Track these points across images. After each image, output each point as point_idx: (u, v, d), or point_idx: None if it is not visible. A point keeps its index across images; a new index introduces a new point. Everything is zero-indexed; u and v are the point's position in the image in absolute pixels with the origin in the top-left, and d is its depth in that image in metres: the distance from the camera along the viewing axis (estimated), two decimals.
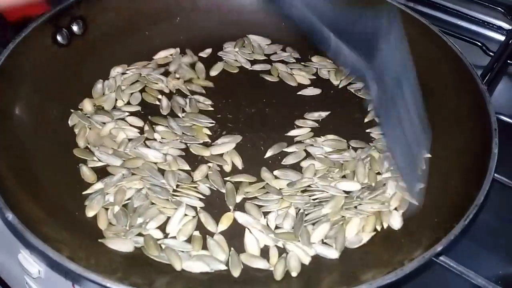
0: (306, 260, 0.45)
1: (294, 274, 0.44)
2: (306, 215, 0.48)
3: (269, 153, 0.54)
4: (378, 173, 0.52)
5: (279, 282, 0.43)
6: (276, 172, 0.52)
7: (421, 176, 0.49)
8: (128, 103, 0.57)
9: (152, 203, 0.48)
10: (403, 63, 0.42)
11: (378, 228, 0.48)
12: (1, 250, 0.61)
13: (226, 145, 0.54)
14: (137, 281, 0.40)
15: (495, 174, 0.51)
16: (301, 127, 0.57)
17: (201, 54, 0.64)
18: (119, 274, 0.40)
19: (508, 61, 0.64)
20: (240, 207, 0.49)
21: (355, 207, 0.49)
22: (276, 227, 0.48)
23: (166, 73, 0.61)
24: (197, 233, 0.47)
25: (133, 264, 0.43)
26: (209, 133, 0.55)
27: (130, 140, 0.53)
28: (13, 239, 0.56)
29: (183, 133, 0.55)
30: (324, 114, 0.58)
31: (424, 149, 0.50)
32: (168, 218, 0.47)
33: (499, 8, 0.70)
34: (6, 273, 0.63)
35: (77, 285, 0.51)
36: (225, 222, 0.48)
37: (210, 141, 0.55)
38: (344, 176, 0.52)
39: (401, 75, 0.43)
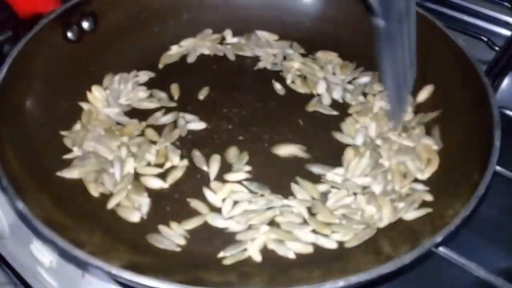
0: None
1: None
2: None
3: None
4: None
5: (279, 272, 0.44)
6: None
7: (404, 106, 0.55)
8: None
9: None
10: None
11: None
12: (14, 241, 0.62)
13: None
14: (145, 268, 0.41)
15: (499, 168, 0.51)
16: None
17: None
18: (125, 261, 0.42)
19: None
20: None
21: None
22: None
23: None
24: None
25: (139, 250, 0.45)
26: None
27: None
28: (25, 230, 0.57)
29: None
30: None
31: (410, 84, 0.55)
32: None
33: (506, 3, 0.70)
34: (19, 264, 0.64)
35: (87, 274, 0.52)
36: None
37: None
38: None
39: (404, 14, 0.46)
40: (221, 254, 0.46)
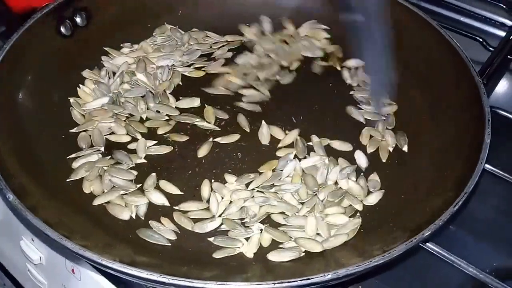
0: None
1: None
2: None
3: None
4: None
5: (270, 267, 0.44)
6: None
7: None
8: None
9: None
10: None
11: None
12: (3, 238, 0.62)
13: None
14: (135, 261, 0.41)
15: (491, 167, 0.51)
16: None
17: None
18: (116, 254, 0.41)
19: (508, 57, 0.64)
20: None
21: None
22: None
23: None
24: None
25: (128, 242, 0.45)
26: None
27: None
28: (15, 226, 0.57)
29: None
30: None
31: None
32: None
33: (501, 4, 0.71)
34: (8, 261, 0.64)
35: (77, 268, 0.51)
36: None
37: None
38: None
39: None
40: (212, 251, 0.45)
